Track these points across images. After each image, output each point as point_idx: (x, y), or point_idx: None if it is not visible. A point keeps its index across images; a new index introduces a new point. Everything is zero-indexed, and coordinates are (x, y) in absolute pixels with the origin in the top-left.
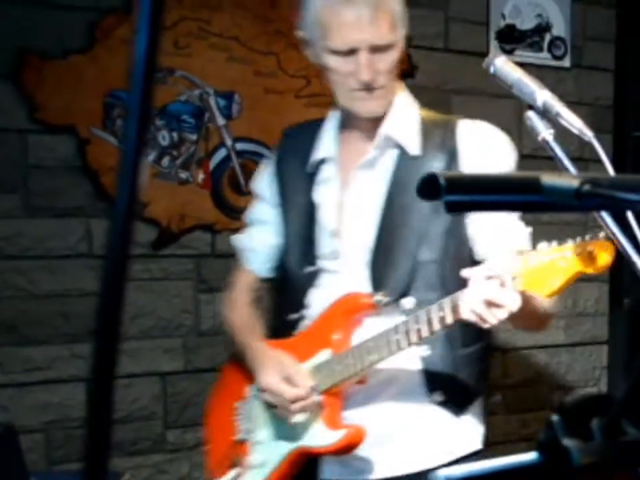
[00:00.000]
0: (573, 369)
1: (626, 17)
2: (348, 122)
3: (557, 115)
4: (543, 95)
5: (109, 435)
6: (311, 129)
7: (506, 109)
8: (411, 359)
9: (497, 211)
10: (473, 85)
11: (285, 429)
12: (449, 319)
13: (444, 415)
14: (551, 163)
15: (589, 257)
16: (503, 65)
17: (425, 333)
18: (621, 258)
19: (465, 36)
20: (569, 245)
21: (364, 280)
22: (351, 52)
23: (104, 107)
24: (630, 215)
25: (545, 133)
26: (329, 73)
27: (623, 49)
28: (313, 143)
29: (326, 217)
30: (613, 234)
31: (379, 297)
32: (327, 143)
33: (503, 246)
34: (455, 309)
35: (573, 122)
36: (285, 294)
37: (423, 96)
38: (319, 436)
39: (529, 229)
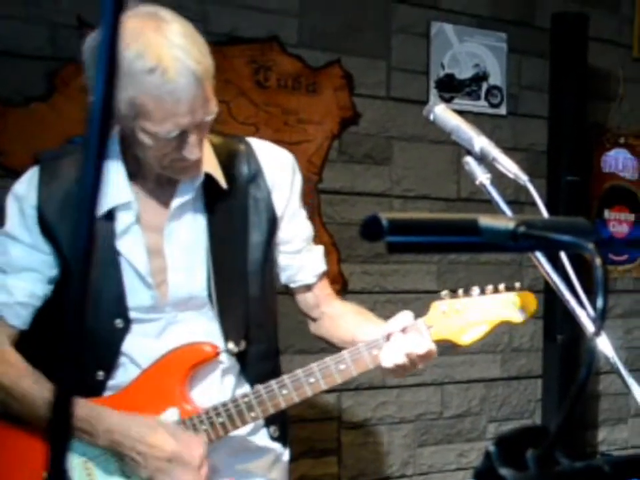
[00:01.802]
0: (508, 402)
1: (558, 67)
2: (140, 168)
3: (493, 160)
4: (480, 141)
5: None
6: (74, 158)
7: (445, 154)
8: None
9: (437, 252)
10: (414, 132)
11: None
12: (353, 372)
13: (278, 448)
14: (488, 205)
15: (513, 307)
16: (442, 113)
17: (323, 386)
18: (554, 296)
19: (406, 84)
20: (494, 295)
21: (201, 326)
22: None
23: None
24: (563, 255)
25: (482, 177)
26: (141, 146)
27: (556, 97)
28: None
29: (141, 265)
30: (547, 273)
31: (231, 346)
32: (118, 188)
33: (311, 271)
34: (358, 362)
35: (509, 167)
36: (85, 349)
37: (366, 142)
38: None
39: (321, 247)
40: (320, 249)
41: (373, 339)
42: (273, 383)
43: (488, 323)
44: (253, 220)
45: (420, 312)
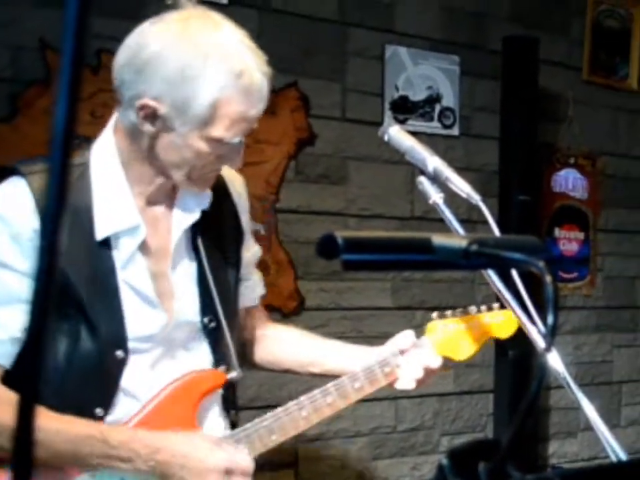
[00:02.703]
0: (461, 416)
1: (510, 89)
2: (146, 188)
3: (446, 180)
4: (433, 161)
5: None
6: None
7: (399, 174)
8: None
9: (391, 269)
10: (369, 152)
11: None
12: (368, 390)
13: None
14: (442, 224)
15: (499, 325)
16: (396, 134)
17: (341, 405)
18: None
19: (361, 106)
20: (482, 314)
21: (203, 356)
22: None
23: None
24: (514, 273)
25: (436, 196)
26: (183, 151)
27: (508, 118)
28: (87, 199)
29: (148, 289)
30: (499, 290)
31: (235, 374)
32: (126, 210)
33: (256, 293)
34: (373, 380)
35: (462, 186)
36: (82, 385)
37: (322, 162)
38: None
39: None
40: (259, 273)
41: (382, 358)
42: (292, 405)
43: (480, 339)
44: (230, 240)
45: (375, 328)
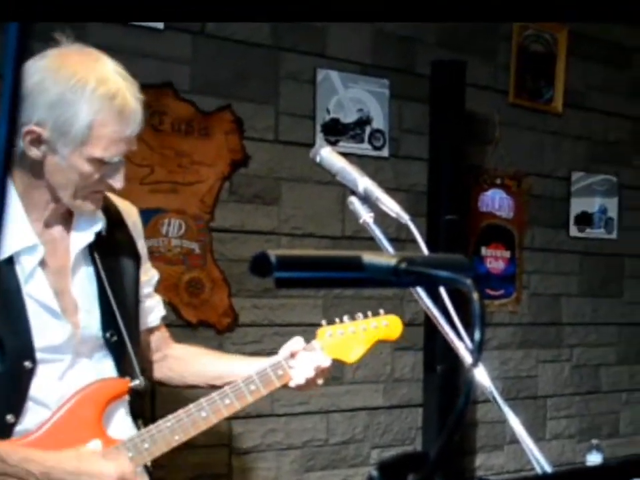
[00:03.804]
0: (391, 429)
1: (438, 112)
2: (35, 206)
3: (376, 200)
4: (364, 182)
5: None
6: None
7: (331, 195)
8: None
9: (323, 287)
10: (301, 173)
11: None
12: (263, 392)
13: None
14: (372, 243)
15: (385, 329)
16: (328, 155)
17: (238, 406)
18: (434, 329)
19: (294, 128)
20: (368, 319)
21: (107, 368)
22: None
23: None
24: (442, 290)
25: (366, 216)
26: (67, 172)
27: (436, 140)
28: None
29: (52, 303)
30: (427, 307)
31: (137, 382)
32: (20, 230)
33: (157, 314)
34: (267, 382)
35: (391, 206)
36: None
37: (255, 183)
38: None
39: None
40: (158, 296)
41: (274, 361)
42: (192, 407)
43: (367, 342)
44: (127, 263)
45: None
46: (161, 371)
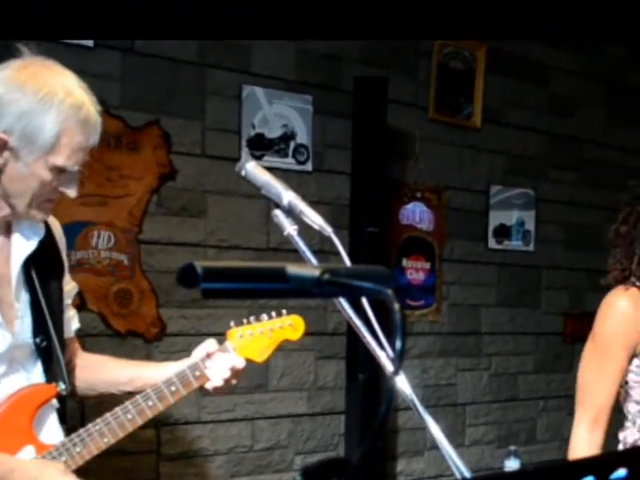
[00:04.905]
0: (314, 436)
1: (360, 127)
2: None
3: (300, 213)
4: (288, 195)
5: None
6: None
7: (255, 208)
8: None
9: (248, 297)
10: (227, 186)
11: None
12: (183, 392)
13: None
14: (296, 255)
15: (290, 328)
16: (253, 169)
17: (161, 407)
18: (356, 338)
19: (220, 143)
20: (273, 320)
21: (38, 374)
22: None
23: None
24: (364, 301)
25: (290, 228)
26: (28, 180)
27: (358, 154)
28: None
29: None
30: (350, 317)
31: (63, 386)
32: None
33: (73, 325)
34: (186, 383)
35: (315, 219)
36: None
37: (183, 196)
38: None
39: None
40: (74, 309)
41: (192, 363)
42: (118, 410)
43: (275, 341)
44: (55, 272)
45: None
46: (74, 382)
